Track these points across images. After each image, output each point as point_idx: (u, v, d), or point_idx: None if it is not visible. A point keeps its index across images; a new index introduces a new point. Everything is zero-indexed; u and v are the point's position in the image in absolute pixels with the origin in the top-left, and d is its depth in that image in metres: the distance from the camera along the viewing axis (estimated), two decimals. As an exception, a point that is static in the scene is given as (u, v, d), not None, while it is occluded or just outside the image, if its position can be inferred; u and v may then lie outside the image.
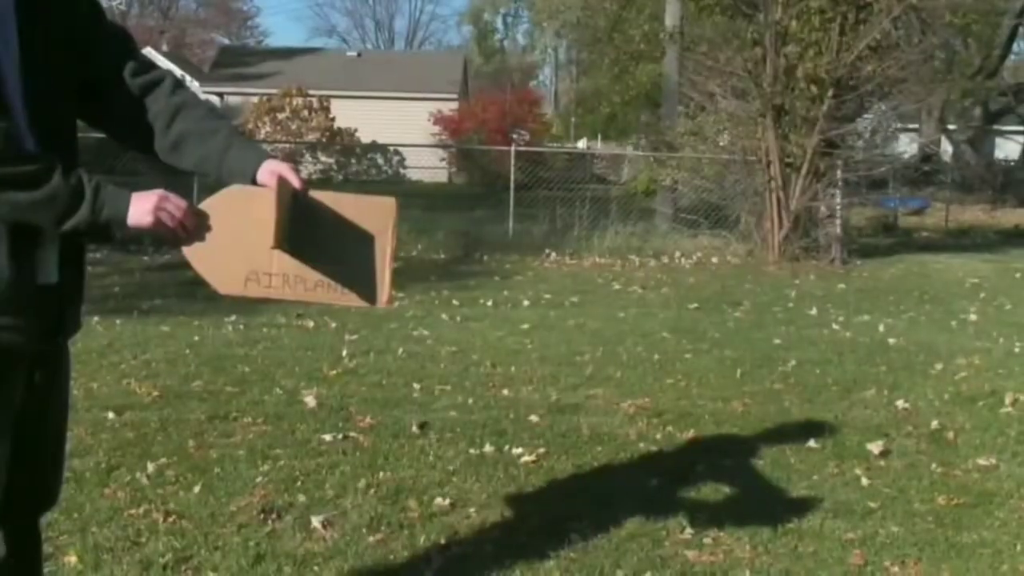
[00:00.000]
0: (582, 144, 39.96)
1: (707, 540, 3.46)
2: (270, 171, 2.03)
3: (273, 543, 3.30)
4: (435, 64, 36.97)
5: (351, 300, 2.14)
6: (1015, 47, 35.62)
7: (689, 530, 3.53)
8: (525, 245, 12.66)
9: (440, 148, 27.89)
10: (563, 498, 3.87)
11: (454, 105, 31.32)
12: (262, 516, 3.52)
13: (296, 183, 2.02)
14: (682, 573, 3.23)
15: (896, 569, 3.29)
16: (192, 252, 2.02)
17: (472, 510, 3.70)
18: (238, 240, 2.02)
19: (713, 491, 3.94)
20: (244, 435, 4.48)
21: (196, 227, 1.99)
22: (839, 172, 13.31)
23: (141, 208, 1.90)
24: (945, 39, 16.12)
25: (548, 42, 49.33)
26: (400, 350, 6.47)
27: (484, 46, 50.73)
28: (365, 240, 2.13)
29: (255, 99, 29.56)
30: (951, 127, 34.07)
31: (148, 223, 1.91)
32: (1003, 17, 29.65)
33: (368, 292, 2.15)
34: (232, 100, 31.85)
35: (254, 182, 2.04)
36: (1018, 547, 3.46)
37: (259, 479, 3.90)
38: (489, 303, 8.62)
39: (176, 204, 1.94)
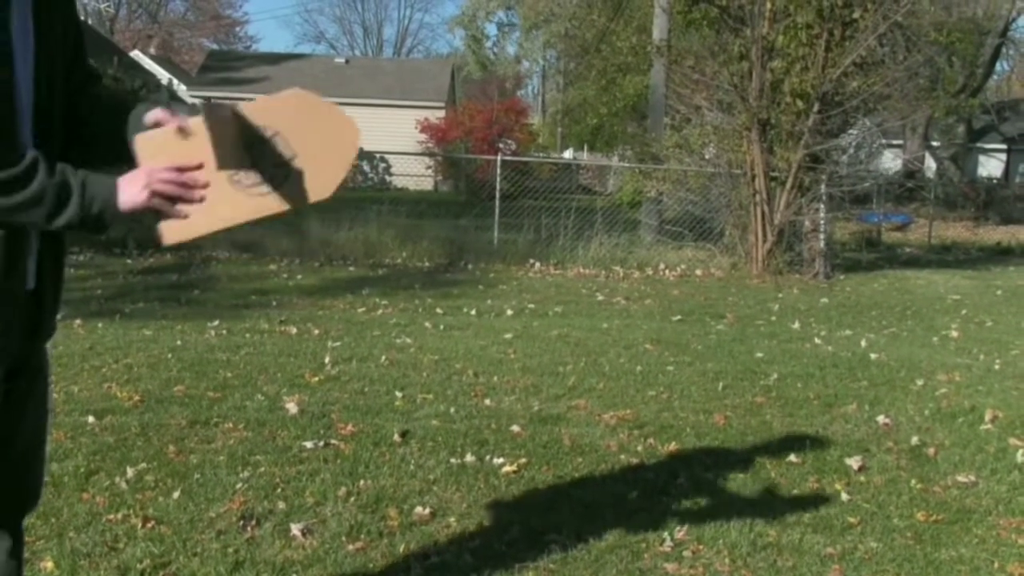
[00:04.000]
0: (568, 154, 40.04)
1: (686, 553, 3.47)
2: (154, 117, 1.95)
3: (252, 550, 3.29)
4: (423, 72, 37.00)
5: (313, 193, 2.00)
6: (998, 66, 35.96)
7: (669, 543, 3.54)
8: (510, 254, 12.66)
9: (426, 156, 27.89)
10: (543, 509, 3.87)
11: (441, 113, 31.35)
12: (241, 523, 3.50)
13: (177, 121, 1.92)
14: (661, 586, 3.23)
15: (874, 584, 3.30)
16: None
17: (452, 519, 3.69)
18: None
19: (693, 504, 3.95)
20: (225, 441, 4.46)
21: (192, 185, 1.89)
22: (823, 187, 13.37)
23: (131, 190, 1.84)
24: (929, 57, 16.19)
25: (537, 52, 49.48)
26: (383, 358, 6.46)
27: (478, 52, 50.72)
28: (291, 137, 2.02)
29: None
30: (935, 144, 34.33)
31: (143, 201, 1.84)
32: (987, 36, 29.92)
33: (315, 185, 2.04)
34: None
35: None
36: (996, 564, 3.48)
37: (239, 485, 3.88)
38: (473, 312, 8.62)
39: (166, 172, 1.86)
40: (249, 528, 3.47)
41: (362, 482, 4.02)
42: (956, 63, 31.32)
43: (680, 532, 3.62)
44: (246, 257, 11.72)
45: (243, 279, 10.13)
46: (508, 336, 7.48)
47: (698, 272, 12.65)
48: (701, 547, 3.52)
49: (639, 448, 4.71)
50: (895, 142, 31.29)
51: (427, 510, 3.74)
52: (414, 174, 26.62)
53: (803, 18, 12.55)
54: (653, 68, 16.92)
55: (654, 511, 3.84)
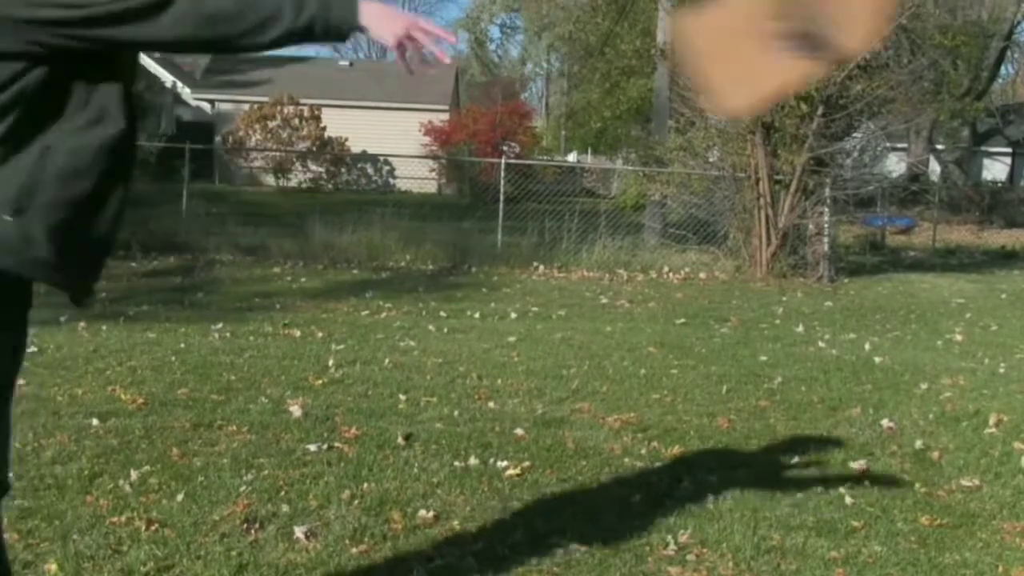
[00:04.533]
0: (572, 157, 40.06)
1: (690, 557, 3.46)
2: None
3: (256, 553, 3.29)
4: (426, 75, 36.98)
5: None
6: (1002, 69, 35.96)
7: (673, 546, 3.53)
8: (513, 257, 12.67)
9: (430, 159, 27.91)
10: (547, 512, 3.87)
11: (445, 116, 31.35)
12: (245, 526, 3.50)
13: None
14: (667, 589, 3.23)
15: (878, 588, 3.29)
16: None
17: (456, 523, 3.69)
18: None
19: (697, 507, 3.94)
20: (228, 444, 4.46)
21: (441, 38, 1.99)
22: (827, 190, 13.36)
23: (385, 20, 1.92)
24: (934, 60, 16.18)
25: (540, 55, 49.55)
26: (386, 360, 6.46)
27: (481, 55, 50.77)
28: None
29: (246, 107, 29.56)
30: (939, 147, 34.32)
31: (394, 37, 1.93)
32: (991, 39, 29.91)
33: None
34: (223, 107, 31.85)
35: None
36: (1000, 569, 3.47)
37: (243, 488, 3.88)
38: (476, 315, 8.62)
39: (424, 23, 1.97)
40: (253, 531, 3.47)
41: (366, 485, 4.02)
42: (960, 66, 31.32)
43: (684, 535, 3.62)
44: (250, 260, 11.74)
45: (247, 282, 10.15)
46: (512, 339, 7.48)
47: (702, 275, 12.65)
48: (705, 550, 3.52)
49: (643, 451, 4.71)
50: (899, 145, 31.29)
51: (431, 513, 3.74)
52: (418, 177, 26.64)
53: (807, 21, 12.54)
54: (657, 71, 16.93)
55: (658, 514, 3.83)
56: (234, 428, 4.71)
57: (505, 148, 27.41)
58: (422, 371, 6.22)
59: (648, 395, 5.85)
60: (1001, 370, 7.18)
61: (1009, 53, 34.38)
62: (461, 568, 3.31)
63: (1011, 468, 4.67)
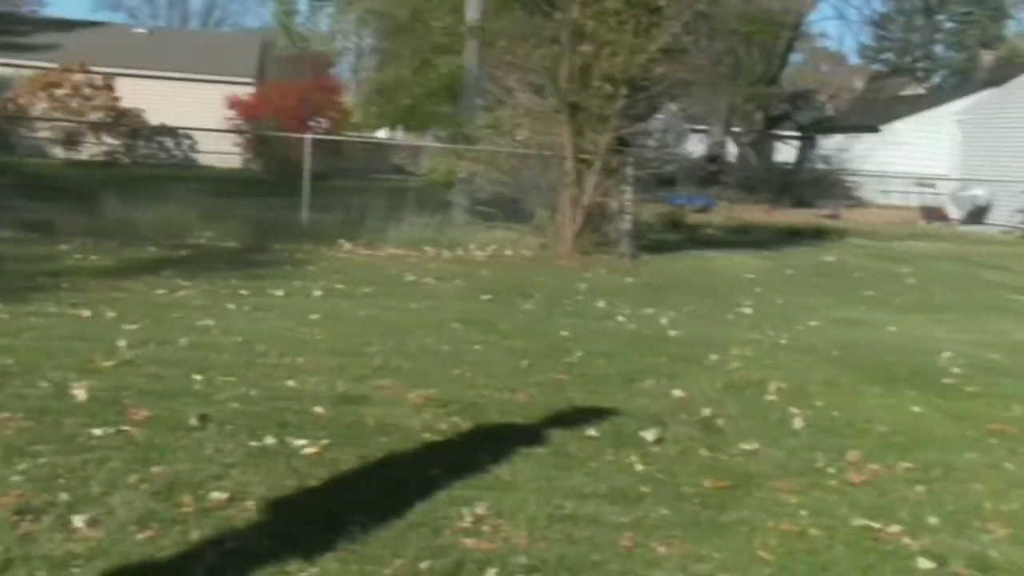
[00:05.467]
0: (382, 134, 39.71)
1: (486, 528, 3.51)
2: None
3: (27, 546, 3.10)
4: (231, 46, 35.79)
5: None
6: (793, 58, 38.07)
7: (469, 518, 3.57)
8: (320, 234, 12.44)
9: (234, 133, 27.00)
10: (345, 489, 3.84)
11: (251, 90, 30.38)
12: (16, 518, 3.29)
13: None
14: (459, 561, 3.26)
15: (663, 549, 3.43)
16: None
17: (250, 503, 3.60)
18: None
19: (495, 480, 4.00)
20: (1, 431, 4.19)
21: None
22: (631, 169, 13.77)
23: None
24: (731, 46, 16.96)
25: (350, 29, 48.76)
26: (182, 340, 6.22)
27: (289, 26, 49.45)
28: None
29: (29, 72, 27.64)
30: (736, 130, 36.04)
31: None
32: (783, 29, 31.58)
33: None
34: (2, 71, 29.59)
35: None
36: (770, 524, 3.69)
37: (15, 478, 3.65)
38: (280, 293, 8.42)
39: None
40: (25, 523, 3.27)
41: (155, 468, 3.86)
42: (755, 53, 32.97)
43: (481, 507, 3.66)
44: (34, 237, 11.03)
45: (29, 260, 9.52)
46: (315, 317, 7.35)
47: (508, 252, 12.80)
48: (501, 521, 3.57)
49: (443, 427, 4.73)
50: (700, 127, 32.69)
51: (224, 495, 3.63)
52: (221, 152, 25.72)
53: (612, 4, 12.86)
54: (466, 49, 16.97)
55: (456, 488, 3.86)
56: (8, 414, 4.40)
57: (313, 124, 26.83)
58: (220, 351, 6.02)
59: (450, 371, 5.88)
60: (783, 341, 7.62)
61: (797, 43, 36.40)
62: (254, 550, 3.23)
63: (786, 431, 4.98)
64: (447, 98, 24.56)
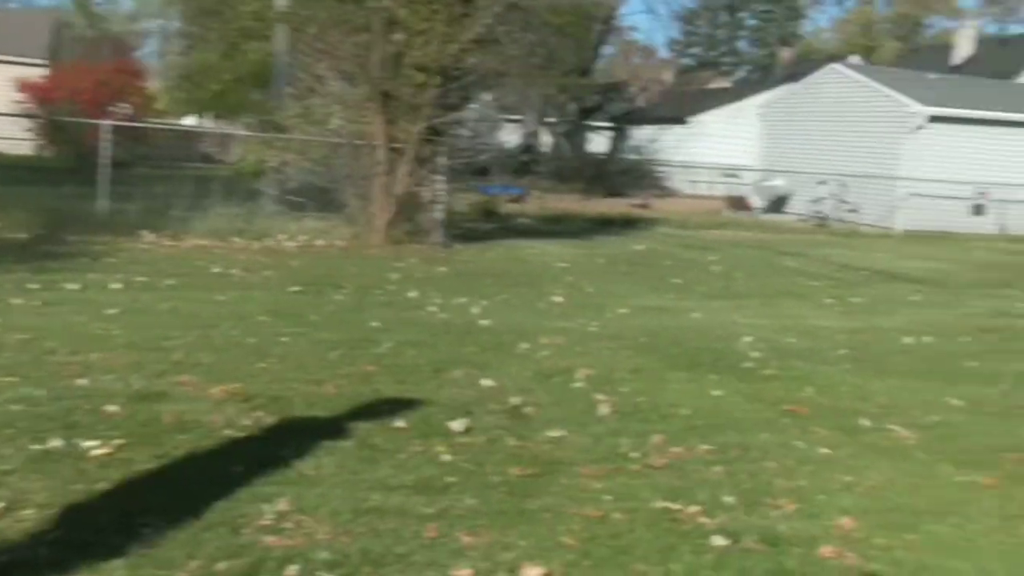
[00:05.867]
0: (190, 121, 38.26)
1: (287, 524, 3.42)
2: None
3: None
4: (20, 24, 33.57)
5: None
6: (605, 50, 39.06)
7: (270, 515, 3.47)
8: (119, 225, 11.85)
9: (24, 117, 25.34)
10: (138, 491, 3.65)
11: (43, 72, 28.61)
12: None
13: None
14: (260, 559, 3.15)
15: (469, 539, 3.43)
16: None
17: (30, 511, 3.37)
18: None
19: (297, 474, 3.90)
20: None
21: None
22: (443, 159, 13.77)
23: None
24: (544, 38, 17.18)
25: (155, 11, 46.68)
26: (-41, 339, 5.78)
27: (84, 6, 46.78)
28: None
29: None
30: (550, 120, 36.66)
31: None
32: (594, 22, 32.33)
33: None
34: None
35: None
36: (574, 509, 3.75)
37: None
38: (74, 286, 7.96)
39: None
40: None
41: (-79, 479, 3.56)
42: (568, 44, 33.60)
43: (282, 503, 3.56)
44: None
45: None
46: (112, 311, 6.99)
47: (319, 242, 12.57)
48: (303, 517, 3.48)
49: (246, 422, 4.58)
50: (514, 117, 33.07)
51: (0, 504, 3.38)
52: (10, 137, 24.11)
53: (423, -8, 12.80)
54: (276, 35, 16.54)
55: (257, 484, 3.74)
56: None
57: (114, 109, 25.52)
58: (1, 349, 5.63)
59: (256, 364, 5.71)
60: (592, 328, 7.78)
61: (608, 36, 37.35)
62: (32, 561, 3.03)
63: (592, 418, 5.08)
64: (257, 85, 23.91)
